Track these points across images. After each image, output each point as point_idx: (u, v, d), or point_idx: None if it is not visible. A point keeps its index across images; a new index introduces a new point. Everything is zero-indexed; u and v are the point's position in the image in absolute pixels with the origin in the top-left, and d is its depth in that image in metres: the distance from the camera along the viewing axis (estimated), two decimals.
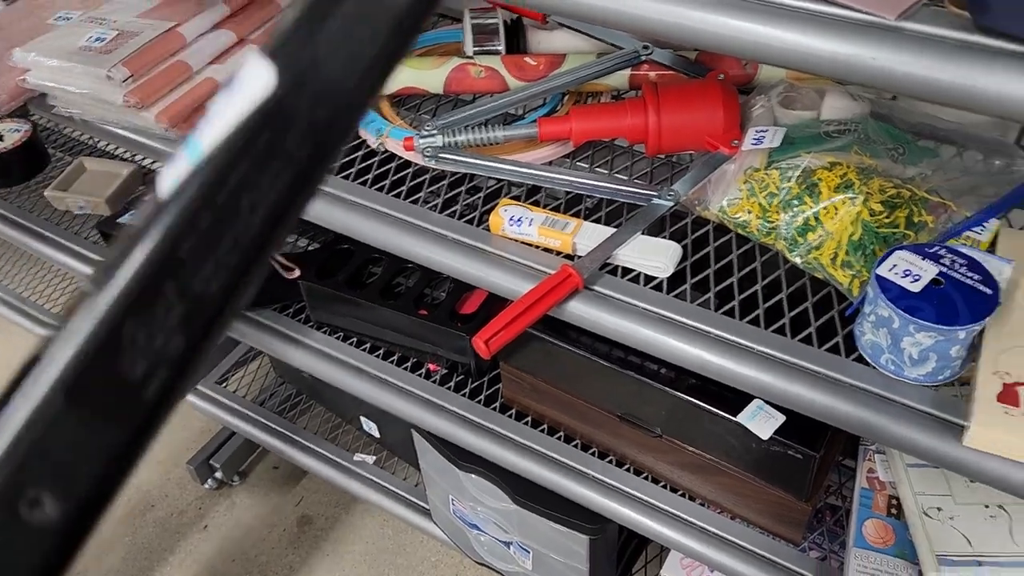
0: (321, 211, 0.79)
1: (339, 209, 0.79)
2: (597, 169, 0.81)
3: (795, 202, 0.67)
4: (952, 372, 0.60)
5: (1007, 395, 0.57)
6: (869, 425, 0.60)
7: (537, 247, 0.73)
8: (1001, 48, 0.42)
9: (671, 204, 0.73)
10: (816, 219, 0.66)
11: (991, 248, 0.67)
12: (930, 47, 0.43)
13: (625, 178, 0.79)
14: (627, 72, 0.82)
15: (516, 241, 0.74)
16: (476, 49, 0.86)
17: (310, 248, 1.17)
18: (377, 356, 1.03)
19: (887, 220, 0.64)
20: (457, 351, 0.96)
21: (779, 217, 0.68)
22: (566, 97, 0.85)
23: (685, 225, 0.74)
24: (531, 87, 0.81)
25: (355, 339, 1.05)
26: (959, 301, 0.58)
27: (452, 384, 0.99)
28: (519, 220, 0.74)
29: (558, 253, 0.73)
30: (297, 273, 0.96)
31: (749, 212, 0.70)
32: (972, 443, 0.56)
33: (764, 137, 0.72)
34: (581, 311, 0.69)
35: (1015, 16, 0.41)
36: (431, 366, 1.00)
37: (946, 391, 0.60)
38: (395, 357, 1.02)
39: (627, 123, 0.75)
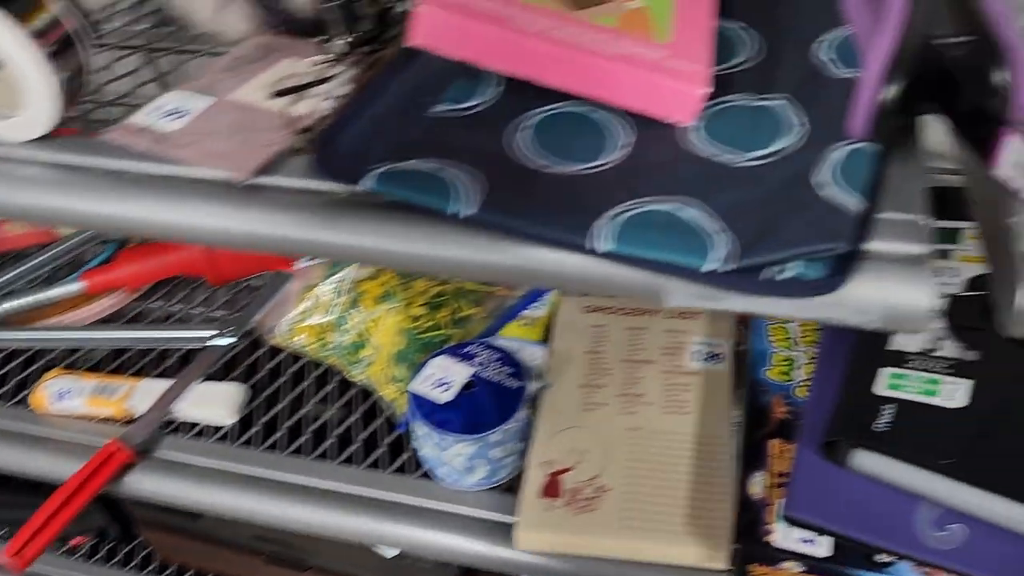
0: None
1: None
2: (172, 307, 0.75)
3: (344, 319, 0.64)
4: (508, 471, 0.58)
5: (550, 487, 0.56)
6: (437, 545, 0.57)
7: (92, 419, 0.66)
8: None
9: (232, 340, 0.68)
10: (365, 335, 0.63)
11: (552, 320, 0.67)
12: (294, 204, 0.40)
13: (203, 310, 0.74)
14: None
15: (67, 417, 0.66)
16: None
17: None
18: None
19: (430, 324, 0.63)
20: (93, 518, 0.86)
21: (333, 336, 0.65)
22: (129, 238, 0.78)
23: (258, 358, 0.69)
24: (80, 234, 0.73)
25: None
26: (489, 402, 0.56)
27: (103, 553, 0.89)
28: (67, 393, 0.66)
29: (117, 421, 0.66)
30: None
31: (307, 334, 0.66)
32: (521, 546, 0.54)
33: None
34: (139, 485, 0.62)
35: (344, 169, 0.39)
36: (74, 541, 0.89)
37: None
38: None
39: (176, 259, 0.70)
